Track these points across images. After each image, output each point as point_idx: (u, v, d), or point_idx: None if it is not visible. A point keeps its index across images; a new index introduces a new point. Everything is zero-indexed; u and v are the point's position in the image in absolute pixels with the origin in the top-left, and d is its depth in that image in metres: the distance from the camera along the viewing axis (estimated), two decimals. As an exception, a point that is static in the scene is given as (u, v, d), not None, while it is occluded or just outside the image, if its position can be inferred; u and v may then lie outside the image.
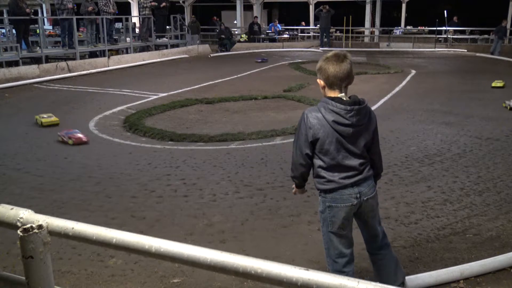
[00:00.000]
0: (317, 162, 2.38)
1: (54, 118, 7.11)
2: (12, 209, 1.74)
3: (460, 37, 20.21)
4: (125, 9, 22.52)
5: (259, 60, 15.29)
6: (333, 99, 2.32)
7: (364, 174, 2.38)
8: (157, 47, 16.95)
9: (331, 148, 2.32)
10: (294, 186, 2.63)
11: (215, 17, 24.22)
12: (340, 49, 2.47)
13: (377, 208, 2.51)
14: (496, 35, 17.19)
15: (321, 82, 2.38)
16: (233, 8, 24.41)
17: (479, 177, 4.73)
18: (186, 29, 19.45)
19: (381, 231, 2.58)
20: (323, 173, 2.37)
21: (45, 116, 7.14)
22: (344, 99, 2.32)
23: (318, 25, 20.62)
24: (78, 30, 14.26)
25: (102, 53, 14.51)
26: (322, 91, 2.41)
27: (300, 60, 15.71)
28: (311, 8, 23.24)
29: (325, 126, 2.30)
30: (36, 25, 15.65)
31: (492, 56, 16.80)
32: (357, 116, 2.30)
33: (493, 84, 10.11)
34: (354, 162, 2.35)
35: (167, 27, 18.48)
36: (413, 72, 12.79)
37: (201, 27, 20.93)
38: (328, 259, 2.50)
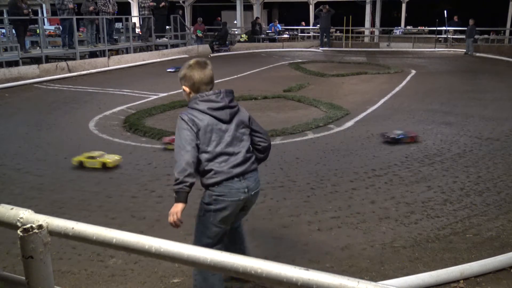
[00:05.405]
0: (203, 156, 2.35)
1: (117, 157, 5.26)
2: (12, 209, 1.74)
3: (460, 37, 20.18)
4: (125, 9, 22.51)
5: (172, 70, 12.47)
6: (200, 93, 2.42)
7: (249, 165, 2.42)
8: (157, 47, 16.94)
9: (213, 136, 2.36)
10: (174, 209, 2.41)
11: (218, 18, 24.13)
12: (200, 57, 2.58)
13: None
14: (469, 37, 17.52)
15: (187, 89, 2.47)
16: (233, 8, 24.40)
17: (479, 177, 4.73)
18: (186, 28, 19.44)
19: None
20: (210, 166, 2.35)
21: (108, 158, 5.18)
22: None
23: (318, 25, 20.62)
24: (78, 30, 14.25)
25: (102, 53, 14.50)
26: (188, 97, 2.49)
27: (300, 60, 15.71)
28: (311, 8, 23.25)
29: (203, 118, 2.35)
30: (36, 25, 15.63)
31: (472, 54, 17.28)
32: (227, 97, 2.42)
33: None
34: (238, 148, 2.40)
35: (167, 27, 18.47)
36: (413, 72, 12.79)
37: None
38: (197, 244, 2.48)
